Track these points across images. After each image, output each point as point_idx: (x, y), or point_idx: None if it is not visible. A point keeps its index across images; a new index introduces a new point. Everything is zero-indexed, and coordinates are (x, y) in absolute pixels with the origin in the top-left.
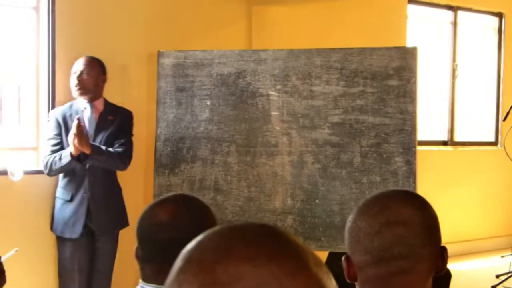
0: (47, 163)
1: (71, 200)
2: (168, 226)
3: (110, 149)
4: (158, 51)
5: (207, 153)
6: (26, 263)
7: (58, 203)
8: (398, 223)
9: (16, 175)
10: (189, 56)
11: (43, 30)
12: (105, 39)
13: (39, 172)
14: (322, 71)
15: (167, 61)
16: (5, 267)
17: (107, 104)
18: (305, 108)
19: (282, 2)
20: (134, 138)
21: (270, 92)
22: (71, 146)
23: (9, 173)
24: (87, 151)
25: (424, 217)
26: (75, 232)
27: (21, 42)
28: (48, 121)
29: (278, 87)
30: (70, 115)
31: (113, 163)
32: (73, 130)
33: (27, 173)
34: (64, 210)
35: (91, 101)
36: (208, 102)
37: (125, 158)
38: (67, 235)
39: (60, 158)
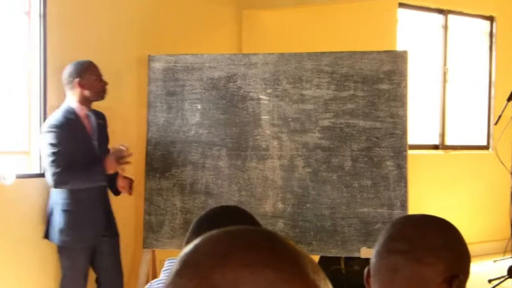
0: (64, 178)
1: (88, 210)
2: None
3: None
4: (149, 55)
5: (198, 157)
6: (17, 269)
7: (69, 215)
8: (411, 225)
9: (8, 179)
10: (179, 60)
11: (35, 34)
12: (96, 43)
13: (31, 176)
14: (312, 75)
15: (158, 65)
16: None
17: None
18: (296, 112)
19: (272, 7)
20: (126, 142)
21: (261, 96)
22: (111, 165)
23: (1, 177)
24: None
25: (444, 234)
26: (96, 240)
27: (13, 46)
28: (49, 131)
29: (269, 91)
30: (73, 123)
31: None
32: (120, 152)
33: (19, 177)
34: (80, 221)
35: (90, 107)
36: (199, 106)
37: None
38: (83, 244)
39: (88, 173)
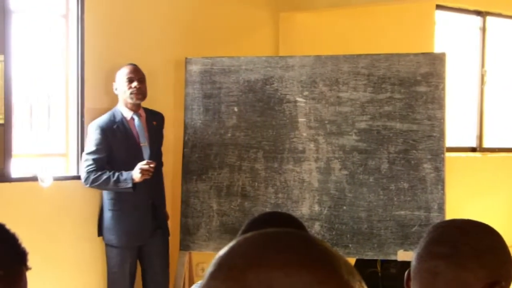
0: (94, 179)
1: (133, 209)
2: None
3: None
4: (186, 58)
5: (235, 160)
6: (54, 268)
7: (114, 214)
8: (453, 229)
9: (46, 181)
10: (216, 62)
11: (72, 37)
12: (133, 46)
13: (69, 178)
14: (349, 77)
15: (195, 68)
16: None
17: (145, 109)
18: (332, 114)
19: (309, 9)
20: (163, 144)
21: (297, 99)
22: (139, 174)
23: (39, 179)
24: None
25: (488, 237)
26: (144, 239)
27: (51, 49)
28: (90, 131)
29: (305, 93)
30: (117, 126)
31: None
32: (145, 164)
33: (56, 179)
34: (126, 220)
35: (137, 110)
36: (236, 109)
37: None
38: (129, 243)
39: (117, 181)
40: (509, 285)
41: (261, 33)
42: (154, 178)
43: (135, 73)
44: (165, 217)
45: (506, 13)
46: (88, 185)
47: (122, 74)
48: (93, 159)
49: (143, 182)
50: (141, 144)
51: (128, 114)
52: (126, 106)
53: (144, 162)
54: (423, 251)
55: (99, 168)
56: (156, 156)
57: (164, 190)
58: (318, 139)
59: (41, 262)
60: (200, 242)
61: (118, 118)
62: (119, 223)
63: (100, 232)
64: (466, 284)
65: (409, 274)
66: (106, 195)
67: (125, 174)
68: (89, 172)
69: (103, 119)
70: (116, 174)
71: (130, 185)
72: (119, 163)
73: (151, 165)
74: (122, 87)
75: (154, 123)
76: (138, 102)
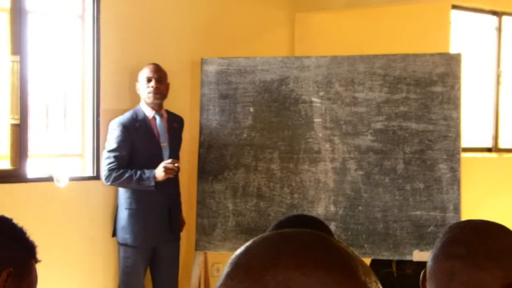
0: (115, 177)
1: (150, 209)
2: None
3: None
4: (202, 59)
5: (250, 160)
6: (68, 268)
7: (130, 213)
8: (470, 229)
9: (62, 181)
10: (232, 63)
11: (88, 38)
12: (149, 46)
13: (85, 178)
14: (365, 78)
15: (211, 68)
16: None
17: (167, 111)
18: (348, 114)
19: (325, 9)
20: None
21: (313, 99)
22: (162, 173)
23: (55, 180)
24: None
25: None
26: (158, 240)
27: (67, 49)
28: (112, 128)
29: (321, 93)
30: (139, 124)
31: None
32: (170, 163)
33: (72, 179)
34: (142, 219)
35: (159, 109)
36: (251, 109)
37: None
38: (143, 243)
39: (140, 179)
40: None
41: (277, 34)
42: (172, 181)
43: (154, 73)
44: (178, 223)
45: None
46: (109, 183)
47: (142, 74)
48: (115, 157)
49: (161, 183)
50: (162, 144)
51: (150, 113)
52: (148, 105)
53: (169, 160)
54: (440, 251)
55: (121, 166)
56: (175, 158)
57: (180, 194)
58: (333, 139)
59: (56, 262)
60: (216, 242)
61: (140, 116)
62: (135, 222)
63: (115, 232)
64: (482, 284)
65: (424, 274)
66: (122, 194)
67: (147, 173)
68: (110, 170)
69: (125, 116)
70: (139, 172)
71: (152, 183)
72: (139, 162)
73: (176, 164)
74: (141, 87)
75: (175, 125)
76: (156, 101)
